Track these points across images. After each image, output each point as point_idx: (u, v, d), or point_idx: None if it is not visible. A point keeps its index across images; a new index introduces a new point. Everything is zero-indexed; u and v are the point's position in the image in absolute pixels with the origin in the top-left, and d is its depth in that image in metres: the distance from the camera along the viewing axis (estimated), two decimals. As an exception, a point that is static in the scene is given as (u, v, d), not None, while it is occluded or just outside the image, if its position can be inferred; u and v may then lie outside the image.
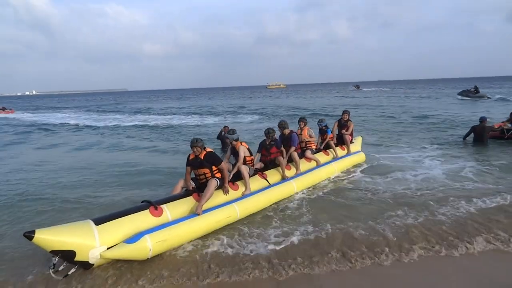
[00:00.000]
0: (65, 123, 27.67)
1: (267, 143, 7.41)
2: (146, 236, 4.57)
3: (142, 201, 5.36)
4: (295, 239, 5.15)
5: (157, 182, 8.47)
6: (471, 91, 37.80)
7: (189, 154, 5.95)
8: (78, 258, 4.25)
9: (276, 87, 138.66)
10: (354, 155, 9.46)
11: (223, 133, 12.47)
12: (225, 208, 5.70)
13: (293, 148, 7.64)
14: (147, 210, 5.02)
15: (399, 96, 48.43)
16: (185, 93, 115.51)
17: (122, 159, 11.73)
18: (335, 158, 8.97)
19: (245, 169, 6.49)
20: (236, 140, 6.81)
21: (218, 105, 46.31)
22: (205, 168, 5.79)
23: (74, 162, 11.56)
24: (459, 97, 39.01)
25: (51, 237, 4.11)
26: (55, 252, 4.17)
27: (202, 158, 5.76)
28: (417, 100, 39.21)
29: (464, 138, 12.49)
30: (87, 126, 24.42)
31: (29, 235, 4.00)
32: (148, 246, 4.53)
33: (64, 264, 4.37)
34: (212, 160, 5.79)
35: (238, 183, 6.44)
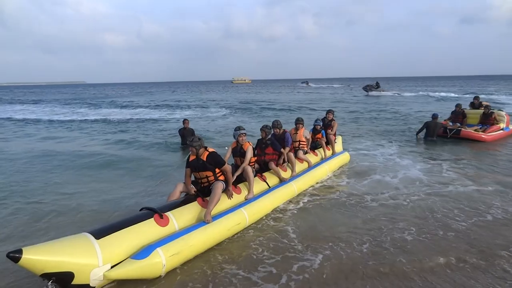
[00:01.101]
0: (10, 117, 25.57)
1: (263, 141, 6.75)
2: (158, 250, 3.88)
3: (142, 209, 4.65)
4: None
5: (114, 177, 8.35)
6: (373, 86, 44.16)
7: (189, 155, 5.27)
8: (76, 281, 3.51)
9: (242, 82, 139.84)
10: (341, 155, 9.14)
11: (185, 127, 11.60)
12: (234, 214, 5.13)
13: (287, 149, 7.16)
14: (152, 219, 4.34)
15: (337, 93, 51.80)
16: (149, 87, 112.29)
17: (83, 153, 11.14)
18: (325, 159, 8.58)
19: (250, 171, 5.89)
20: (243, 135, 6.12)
21: (183, 99, 45.26)
22: (208, 170, 5.16)
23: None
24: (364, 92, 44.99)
25: (42, 257, 3.33)
26: (47, 276, 3.38)
27: (205, 159, 5.11)
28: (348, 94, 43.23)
29: (417, 134, 12.80)
30: (51, 121, 22.52)
31: (15, 256, 3.20)
32: (162, 261, 3.85)
33: None
34: (215, 161, 5.15)
35: (240, 186, 5.84)
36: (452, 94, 41.54)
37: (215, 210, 5.02)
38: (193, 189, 5.19)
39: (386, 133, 14.35)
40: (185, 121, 11.71)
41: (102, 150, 11.82)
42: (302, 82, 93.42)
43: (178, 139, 12.18)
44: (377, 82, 45.98)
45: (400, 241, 4.78)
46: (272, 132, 7.20)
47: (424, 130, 12.46)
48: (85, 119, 22.72)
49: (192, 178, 5.38)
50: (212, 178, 5.19)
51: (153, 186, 7.45)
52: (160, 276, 3.91)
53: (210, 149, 5.19)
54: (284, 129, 7.35)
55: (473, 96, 16.00)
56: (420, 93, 45.23)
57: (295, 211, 5.98)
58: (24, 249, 3.25)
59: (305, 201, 6.47)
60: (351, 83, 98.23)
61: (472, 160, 9.26)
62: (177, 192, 5.12)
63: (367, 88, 44.57)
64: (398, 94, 42.70)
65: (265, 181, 6.38)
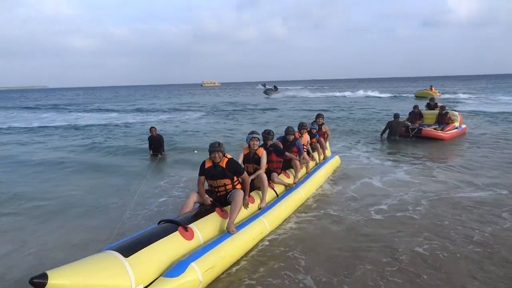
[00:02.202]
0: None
1: (266, 148, 6.29)
2: (193, 264, 3.57)
3: (160, 222, 4.31)
4: None
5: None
6: (271, 89, 49.49)
7: (204, 162, 4.95)
8: None
9: (211, 85, 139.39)
10: (333, 159, 8.95)
11: (153, 135, 11.09)
12: (256, 223, 4.87)
13: (302, 156, 7.07)
14: (177, 232, 4.01)
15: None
16: (116, 91, 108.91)
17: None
18: (319, 163, 8.38)
19: (266, 179, 5.60)
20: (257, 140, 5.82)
21: (154, 103, 44.61)
22: (227, 178, 4.86)
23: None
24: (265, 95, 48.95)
25: (71, 281, 2.92)
26: (74, 303, 2.91)
27: (224, 166, 4.81)
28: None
29: (382, 134, 13.10)
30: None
31: (40, 282, 2.76)
32: (198, 277, 3.55)
33: None
34: (234, 168, 4.88)
35: (252, 194, 5.54)
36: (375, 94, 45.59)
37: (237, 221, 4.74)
38: (208, 199, 4.81)
39: (351, 133, 14.73)
40: (152, 129, 11.21)
41: (63, 158, 11.24)
42: (261, 84, 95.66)
43: (146, 146, 11.64)
44: (275, 85, 52.76)
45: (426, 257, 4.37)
46: (284, 138, 7.04)
47: (387, 130, 12.80)
48: (46, 126, 21.39)
49: (206, 186, 5.04)
50: (230, 186, 4.91)
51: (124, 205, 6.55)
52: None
53: (229, 156, 4.90)
54: (295, 136, 7.15)
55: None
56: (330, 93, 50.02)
57: (294, 228, 5.39)
58: (48, 273, 2.84)
59: (302, 215, 5.93)
60: (316, 85, 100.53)
61: (455, 159, 9.65)
62: (191, 203, 4.76)
63: (267, 92, 49.03)
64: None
65: (273, 189, 6.12)
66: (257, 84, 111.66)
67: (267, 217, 5.10)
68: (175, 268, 3.47)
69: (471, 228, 5.11)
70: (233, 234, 4.33)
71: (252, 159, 5.79)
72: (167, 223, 4.15)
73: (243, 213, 4.98)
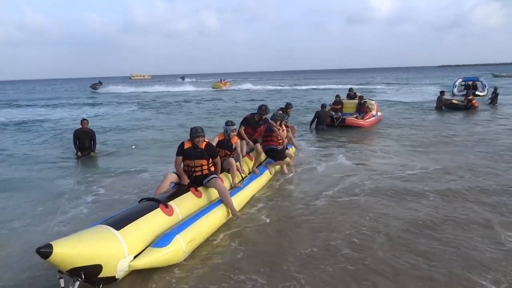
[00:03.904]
0: None
1: (256, 119, 6.88)
2: (178, 237, 3.99)
3: (141, 200, 4.66)
4: None
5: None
6: (97, 84, 52.10)
7: (183, 143, 5.39)
8: (104, 273, 3.46)
9: (141, 78, 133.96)
10: (290, 147, 9.49)
11: (83, 128, 9.71)
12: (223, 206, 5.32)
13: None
14: (159, 209, 4.39)
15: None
16: (34, 85, 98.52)
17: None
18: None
19: (234, 163, 6.19)
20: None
21: (77, 96, 42.57)
22: (204, 159, 5.35)
23: None
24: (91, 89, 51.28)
25: (73, 250, 3.22)
26: (74, 271, 3.20)
27: (203, 148, 5.31)
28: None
29: (311, 124, 13.98)
30: None
31: (45, 251, 3.01)
32: (182, 248, 4.01)
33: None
34: (212, 151, 5.45)
35: (222, 176, 6.02)
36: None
37: (206, 202, 5.24)
38: (187, 179, 5.25)
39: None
40: (83, 121, 9.82)
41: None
42: (180, 77, 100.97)
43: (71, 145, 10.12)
44: (99, 81, 55.01)
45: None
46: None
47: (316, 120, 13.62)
48: None
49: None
50: (206, 167, 5.38)
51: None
52: (179, 262, 3.98)
53: (206, 140, 5.40)
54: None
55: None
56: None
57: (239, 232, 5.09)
58: (53, 243, 3.11)
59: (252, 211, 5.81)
60: (248, 78, 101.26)
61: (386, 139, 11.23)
62: (168, 183, 5.17)
63: (94, 86, 51.73)
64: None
65: (239, 173, 6.57)
66: (177, 78, 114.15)
67: (235, 198, 5.58)
68: (162, 240, 3.89)
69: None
70: (211, 210, 4.84)
71: (226, 145, 6.32)
72: (148, 201, 4.49)
73: (216, 195, 5.42)
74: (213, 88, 48.16)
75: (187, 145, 5.30)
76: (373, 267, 3.91)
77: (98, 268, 3.32)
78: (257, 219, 5.40)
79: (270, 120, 7.58)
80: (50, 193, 6.72)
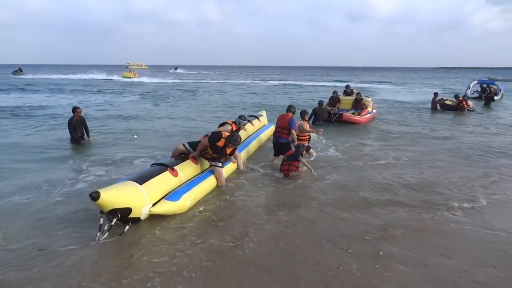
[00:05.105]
0: None
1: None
2: (185, 195, 5.37)
3: (152, 164, 5.92)
4: None
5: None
6: (17, 71, 58.87)
7: (221, 133, 6.50)
8: (132, 214, 4.75)
9: (138, 67, 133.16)
10: (269, 128, 11.02)
11: (76, 117, 9.66)
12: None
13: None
14: (167, 172, 5.65)
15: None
16: (33, 69, 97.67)
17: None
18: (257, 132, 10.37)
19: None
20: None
21: (74, 82, 42.03)
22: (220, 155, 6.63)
23: None
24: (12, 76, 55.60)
25: (113, 196, 4.48)
26: (113, 211, 4.50)
27: (222, 145, 6.43)
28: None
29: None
30: None
31: (95, 196, 4.27)
32: (187, 203, 5.38)
33: (107, 226, 4.58)
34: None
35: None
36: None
37: (198, 170, 6.49)
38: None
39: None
40: (76, 109, 9.64)
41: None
42: (174, 69, 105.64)
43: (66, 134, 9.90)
44: (19, 68, 62.36)
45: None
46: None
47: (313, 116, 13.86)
48: None
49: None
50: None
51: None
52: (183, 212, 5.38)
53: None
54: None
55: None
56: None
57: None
58: (100, 190, 4.35)
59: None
60: (247, 71, 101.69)
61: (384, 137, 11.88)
62: (178, 151, 6.51)
63: (14, 73, 58.17)
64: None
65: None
66: (171, 68, 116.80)
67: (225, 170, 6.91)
68: (173, 195, 5.24)
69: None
70: (207, 178, 6.22)
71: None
72: (157, 165, 5.75)
73: (206, 164, 6.70)
74: (123, 76, 55.52)
75: (220, 143, 6.41)
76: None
77: (129, 210, 4.59)
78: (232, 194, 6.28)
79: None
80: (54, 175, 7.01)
